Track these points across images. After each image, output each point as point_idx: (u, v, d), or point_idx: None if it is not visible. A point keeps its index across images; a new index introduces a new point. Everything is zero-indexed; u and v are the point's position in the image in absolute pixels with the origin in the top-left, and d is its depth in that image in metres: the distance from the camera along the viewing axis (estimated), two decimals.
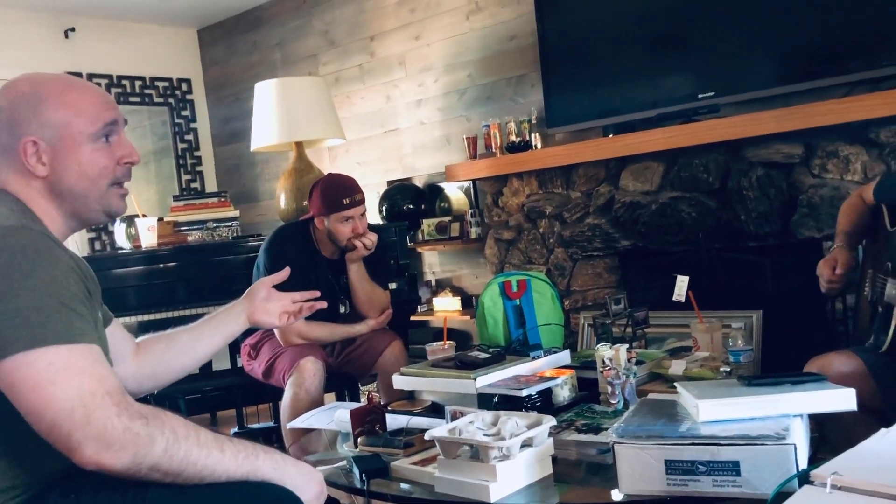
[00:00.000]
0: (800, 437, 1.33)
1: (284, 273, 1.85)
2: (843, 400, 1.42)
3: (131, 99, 5.04)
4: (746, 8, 2.99)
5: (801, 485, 1.12)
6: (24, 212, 1.28)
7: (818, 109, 2.70)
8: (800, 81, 2.88)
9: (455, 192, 4.17)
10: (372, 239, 2.74)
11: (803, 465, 1.28)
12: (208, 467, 1.16)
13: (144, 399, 1.32)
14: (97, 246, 4.84)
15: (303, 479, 1.27)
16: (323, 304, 1.93)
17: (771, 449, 1.28)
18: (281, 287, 1.83)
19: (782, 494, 1.12)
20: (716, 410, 1.41)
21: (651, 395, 1.75)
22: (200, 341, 1.67)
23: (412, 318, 3.80)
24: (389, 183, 4.38)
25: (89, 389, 1.09)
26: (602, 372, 1.96)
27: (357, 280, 2.79)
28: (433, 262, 4.31)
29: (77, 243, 4.57)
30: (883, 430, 1.23)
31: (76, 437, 1.07)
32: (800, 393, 1.43)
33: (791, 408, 1.41)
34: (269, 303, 1.79)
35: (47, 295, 1.12)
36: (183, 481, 1.15)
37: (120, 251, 3.67)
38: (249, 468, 1.20)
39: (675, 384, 1.63)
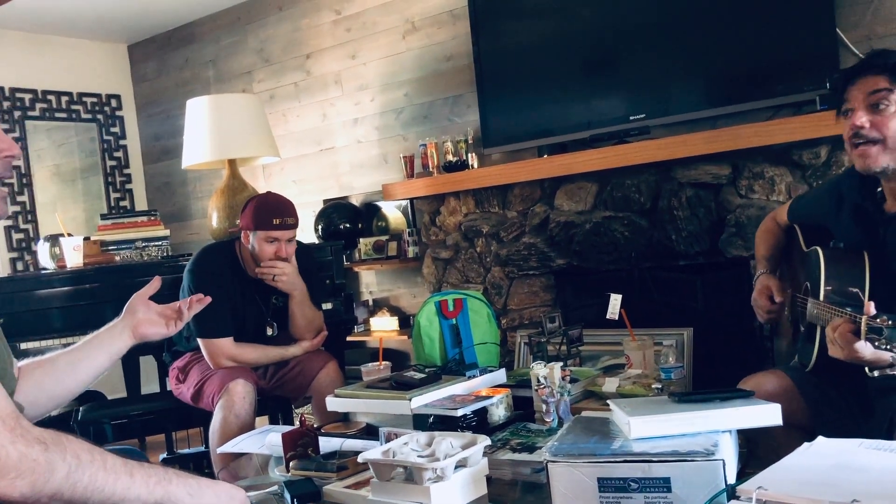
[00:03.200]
0: (728, 453, 1.35)
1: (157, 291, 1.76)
2: (769, 415, 1.45)
3: (57, 114, 4.89)
4: (676, 33, 3.07)
5: (728, 499, 1.13)
6: None
7: (744, 132, 2.79)
8: (727, 104, 2.97)
9: (392, 211, 4.16)
10: (285, 273, 2.66)
11: (732, 479, 1.30)
12: (117, 494, 1.10)
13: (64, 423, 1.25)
14: (19, 266, 4.65)
15: (221, 501, 1.22)
16: (207, 299, 1.84)
17: (700, 465, 1.29)
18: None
19: None
20: (647, 427, 1.42)
21: (585, 413, 1.76)
22: (81, 363, 1.59)
23: (349, 338, 3.76)
24: (326, 201, 4.34)
25: None
26: (537, 390, 1.96)
27: (299, 306, 2.73)
28: (370, 282, 4.28)
29: None
30: (806, 445, 1.26)
31: None
32: (728, 409, 1.45)
33: (719, 424, 1.42)
34: (151, 314, 1.71)
35: None
36: None
37: (43, 271, 3.53)
38: (162, 494, 1.14)
39: (608, 401, 1.64)
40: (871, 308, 1.46)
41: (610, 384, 2.10)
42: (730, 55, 2.97)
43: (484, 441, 1.57)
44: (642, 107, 3.14)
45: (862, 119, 1.67)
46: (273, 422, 3.03)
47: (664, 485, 1.30)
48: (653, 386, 2.04)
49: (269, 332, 2.78)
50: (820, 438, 1.31)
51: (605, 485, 1.34)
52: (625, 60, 3.21)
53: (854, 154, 1.73)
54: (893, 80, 1.66)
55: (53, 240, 3.52)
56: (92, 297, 3.29)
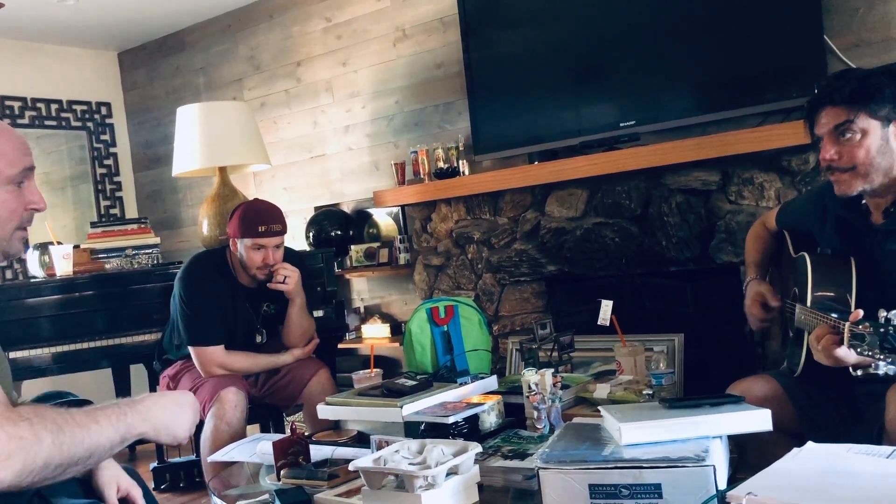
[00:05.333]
0: (719, 459, 1.35)
1: None
2: (759, 420, 1.45)
3: (47, 122, 4.87)
4: (666, 40, 3.09)
5: None
6: None
7: (734, 138, 2.80)
8: (716, 111, 2.98)
9: (384, 218, 4.16)
10: (285, 274, 2.67)
11: (722, 485, 1.30)
12: (92, 442, 1.17)
13: None
14: (8, 275, 4.63)
15: (169, 414, 1.30)
16: None
17: (691, 471, 1.29)
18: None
19: None
20: (638, 434, 1.42)
21: (576, 420, 1.76)
22: None
23: (340, 345, 3.75)
24: (317, 209, 4.34)
25: None
26: (528, 397, 1.96)
27: (298, 314, 2.73)
28: (362, 289, 4.27)
29: None
30: (795, 450, 1.27)
31: None
32: (718, 415, 1.45)
33: (710, 429, 1.43)
34: None
35: None
36: (73, 466, 1.15)
37: (32, 280, 3.52)
38: (124, 429, 1.24)
39: (600, 408, 1.64)
40: (859, 314, 1.47)
41: (601, 390, 2.11)
42: (719, 62, 2.99)
43: (475, 448, 1.57)
44: (632, 113, 3.15)
45: (831, 153, 1.76)
46: (264, 430, 3.02)
47: (655, 491, 1.31)
48: (644, 392, 2.04)
49: (259, 339, 2.78)
50: (809, 443, 1.32)
51: (596, 491, 1.34)
52: (615, 67, 3.22)
53: (832, 180, 1.81)
54: (852, 108, 1.71)
55: (43, 248, 3.51)
56: (82, 305, 3.28)
